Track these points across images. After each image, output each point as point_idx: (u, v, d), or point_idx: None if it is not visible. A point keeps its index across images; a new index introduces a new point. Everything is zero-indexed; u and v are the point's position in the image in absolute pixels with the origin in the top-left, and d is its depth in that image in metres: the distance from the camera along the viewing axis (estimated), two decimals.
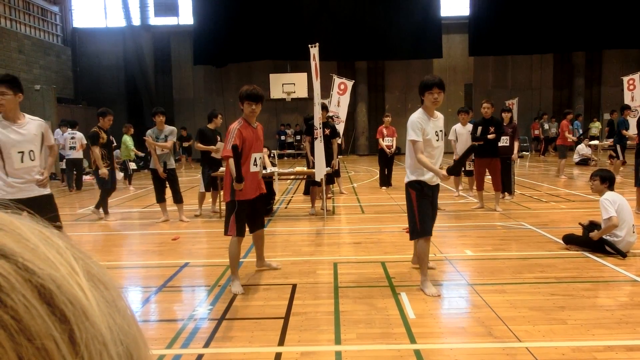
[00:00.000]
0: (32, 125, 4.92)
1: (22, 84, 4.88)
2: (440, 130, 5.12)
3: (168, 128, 9.03)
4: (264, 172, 6.29)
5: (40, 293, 0.32)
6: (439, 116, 5.18)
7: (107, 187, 9.41)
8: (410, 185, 5.11)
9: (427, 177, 5.01)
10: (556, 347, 3.68)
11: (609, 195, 6.14)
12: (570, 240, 6.45)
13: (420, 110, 5.07)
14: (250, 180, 5.31)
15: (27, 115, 4.94)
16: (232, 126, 5.29)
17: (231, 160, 5.13)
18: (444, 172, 4.93)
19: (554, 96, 27.98)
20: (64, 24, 26.93)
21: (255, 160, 5.37)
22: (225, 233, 5.36)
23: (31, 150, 4.87)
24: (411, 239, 5.29)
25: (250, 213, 5.44)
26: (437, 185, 5.23)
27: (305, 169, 9.89)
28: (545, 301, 4.63)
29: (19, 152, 4.79)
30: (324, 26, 24.85)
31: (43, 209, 4.82)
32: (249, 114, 5.33)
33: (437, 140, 5.06)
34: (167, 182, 9.04)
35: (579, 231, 6.51)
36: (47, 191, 5.05)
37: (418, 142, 4.92)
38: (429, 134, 4.97)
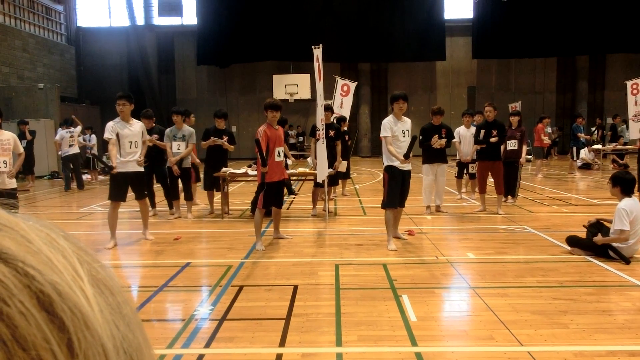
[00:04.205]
0: (136, 125, 7.25)
1: (134, 97, 7.27)
2: (407, 130, 6.84)
3: (187, 129, 9.09)
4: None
5: (39, 300, 0.30)
6: (406, 120, 6.90)
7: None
8: (385, 169, 6.91)
9: (397, 163, 6.71)
10: (558, 352, 3.66)
11: (626, 204, 5.87)
12: (573, 242, 6.36)
13: (391, 115, 6.88)
14: (275, 167, 6.85)
15: (133, 119, 7.24)
16: (259, 129, 6.80)
17: (259, 153, 6.61)
18: (402, 157, 6.56)
19: (557, 100, 27.91)
20: (68, 23, 26.99)
21: (278, 153, 6.88)
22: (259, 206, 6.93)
23: (135, 141, 7.17)
24: (381, 207, 7.00)
25: (274, 193, 6.92)
26: (408, 171, 6.86)
27: (307, 169, 9.89)
28: (547, 305, 4.61)
29: (129, 142, 7.10)
30: (327, 27, 24.80)
31: (138, 180, 7.30)
32: (271, 119, 6.86)
33: (404, 137, 6.79)
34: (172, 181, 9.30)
35: (582, 234, 6.44)
36: (142, 169, 7.31)
37: (388, 137, 6.75)
38: (397, 132, 6.75)
